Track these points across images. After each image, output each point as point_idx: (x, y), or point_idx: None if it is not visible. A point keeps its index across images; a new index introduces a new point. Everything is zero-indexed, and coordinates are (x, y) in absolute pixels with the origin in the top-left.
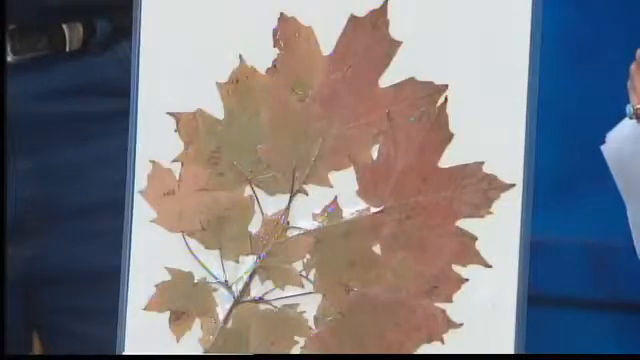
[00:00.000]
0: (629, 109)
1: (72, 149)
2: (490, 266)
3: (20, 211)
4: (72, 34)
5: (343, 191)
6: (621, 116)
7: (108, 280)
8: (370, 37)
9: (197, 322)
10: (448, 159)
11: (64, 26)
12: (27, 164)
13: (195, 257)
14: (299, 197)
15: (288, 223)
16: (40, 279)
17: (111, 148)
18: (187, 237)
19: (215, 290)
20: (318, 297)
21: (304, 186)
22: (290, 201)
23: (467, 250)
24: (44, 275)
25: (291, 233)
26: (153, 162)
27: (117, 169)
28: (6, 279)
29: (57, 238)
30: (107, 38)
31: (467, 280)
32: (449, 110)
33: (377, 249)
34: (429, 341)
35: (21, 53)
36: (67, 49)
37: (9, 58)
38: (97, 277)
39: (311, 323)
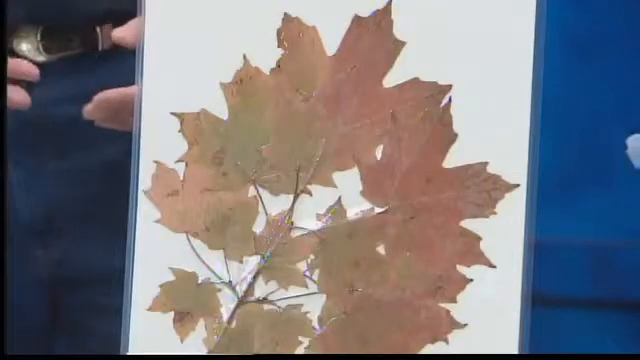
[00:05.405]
0: None
1: (102, 149)
2: (494, 266)
3: (48, 212)
4: (104, 34)
5: (347, 191)
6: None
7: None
8: (374, 37)
9: (201, 322)
10: (452, 159)
11: (97, 27)
12: (55, 165)
13: (199, 257)
14: (303, 197)
15: (292, 223)
16: (65, 280)
17: None
18: (191, 237)
19: (219, 290)
20: (322, 297)
21: (308, 186)
22: (294, 201)
23: (471, 250)
24: (69, 276)
25: (295, 233)
26: (157, 162)
27: None
28: (6, 277)
29: (81, 240)
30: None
31: (471, 280)
32: (453, 110)
33: (381, 249)
34: (433, 341)
35: (52, 52)
36: (99, 49)
37: (41, 58)
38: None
39: (315, 323)
